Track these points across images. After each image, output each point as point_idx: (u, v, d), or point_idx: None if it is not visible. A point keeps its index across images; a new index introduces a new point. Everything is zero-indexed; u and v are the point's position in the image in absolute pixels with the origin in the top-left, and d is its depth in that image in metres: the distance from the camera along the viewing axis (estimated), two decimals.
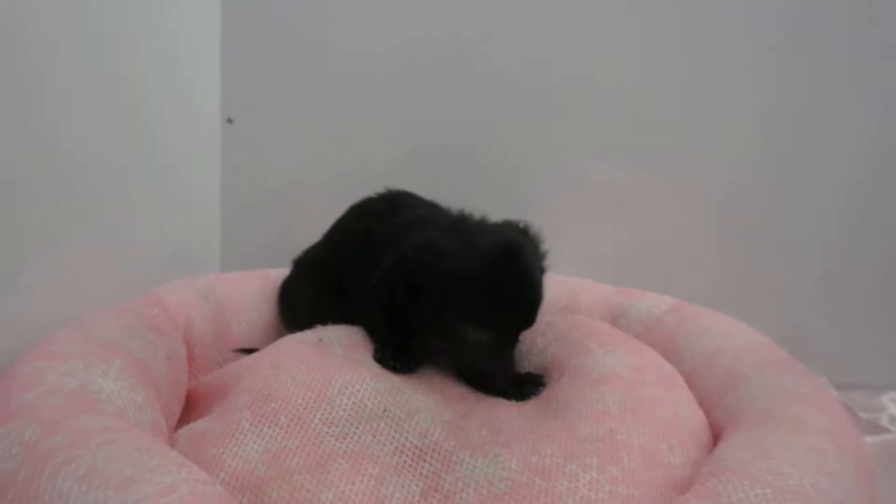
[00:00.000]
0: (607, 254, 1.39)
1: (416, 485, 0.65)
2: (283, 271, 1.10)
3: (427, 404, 0.74)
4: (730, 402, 0.79)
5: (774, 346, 0.89)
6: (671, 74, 1.31)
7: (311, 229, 1.07)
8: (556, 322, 0.94)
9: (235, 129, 1.27)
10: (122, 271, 1.08)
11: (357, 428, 0.69)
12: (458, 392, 0.80)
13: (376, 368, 0.77)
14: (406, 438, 0.69)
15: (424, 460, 0.67)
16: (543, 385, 0.83)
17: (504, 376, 0.82)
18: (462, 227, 0.84)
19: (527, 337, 0.93)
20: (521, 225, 0.87)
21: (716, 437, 0.78)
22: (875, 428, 1.20)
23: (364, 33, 1.29)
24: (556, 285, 1.16)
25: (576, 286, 1.16)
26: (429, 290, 0.76)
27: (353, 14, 1.29)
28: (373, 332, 0.84)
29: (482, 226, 0.86)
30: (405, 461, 0.67)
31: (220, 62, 1.25)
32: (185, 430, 0.72)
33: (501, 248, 0.78)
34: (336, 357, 0.78)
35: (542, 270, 0.82)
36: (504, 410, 0.77)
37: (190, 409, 0.84)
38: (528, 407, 0.78)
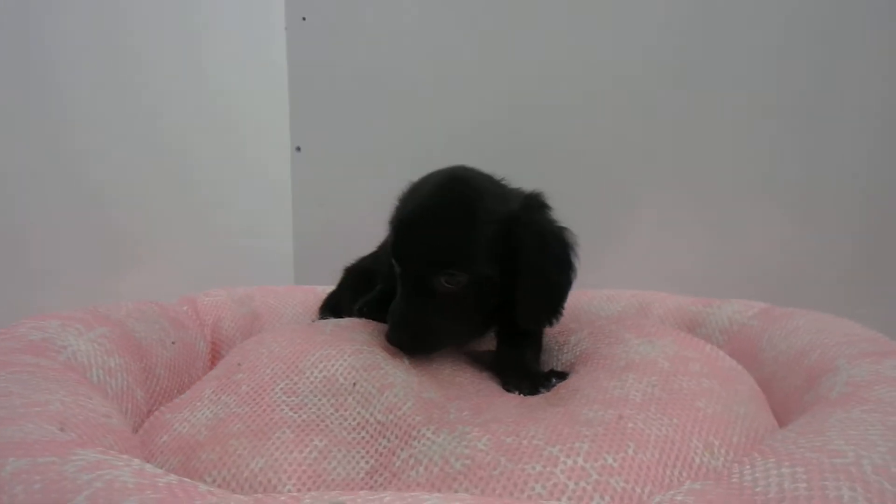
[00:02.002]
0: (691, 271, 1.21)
1: (366, 462, 0.55)
2: (331, 288, 1.08)
3: (405, 380, 0.64)
4: (808, 400, 0.60)
5: (886, 339, 0.67)
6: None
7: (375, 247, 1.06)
8: (596, 321, 0.80)
9: (303, 156, 1.33)
10: (200, 286, 1.14)
11: (319, 400, 0.61)
12: (458, 380, 0.69)
13: (360, 345, 0.69)
14: (371, 414, 0.60)
15: (384, 436, 0.57)
16: (562, 380, 0.69)
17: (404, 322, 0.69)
18: None
19: (558, 333, 0.81)
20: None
21: None
22: None
23: (423, 62, 1.31)
24: (623, 299, 1.02)
25: (647, 298, 1.00)
26: None
27: (413, 45, 1.32)
28: None
29: None
30: (363, 437, 0.58)
31: (289, 96, 1.34)
32: (164, 406, 0.69)
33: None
34: (322, 335, 0.71)
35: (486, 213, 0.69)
36: (501, 398, 0.64)
37: None
38: (535, 399, 0.65)
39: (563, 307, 0.74)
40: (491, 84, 1.31)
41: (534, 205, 0.73)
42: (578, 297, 1.03)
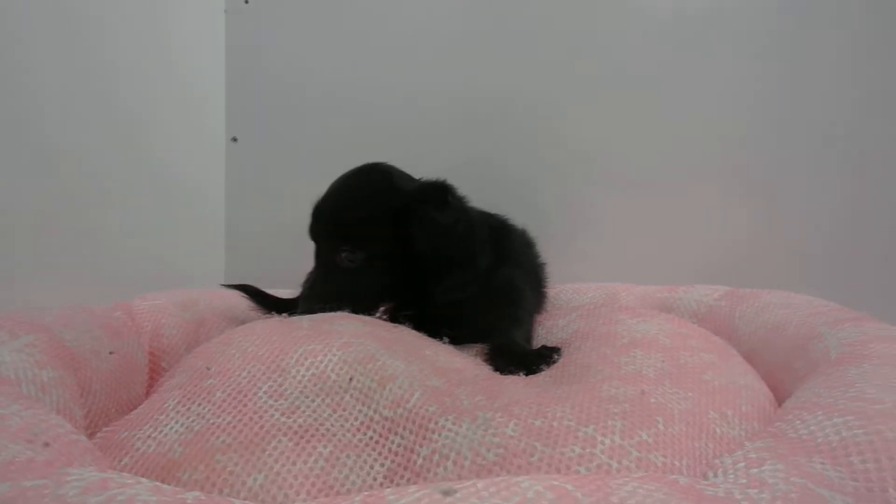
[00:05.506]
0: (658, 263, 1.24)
1: (381, 464, 0.50)
2: (280, 292, 1.01)
3: (407, 371, 0.58)
4: (800, 367, 0.62)
5: (849, 309, 0.71)
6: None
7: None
8: (583, 306, 0.79)
9: (239, 147, 1.25)
10: (124, 289, 1.01)
11: (313, 401, 0.55)
12: (456, 366, 0.65)
13: (348, 338, 0.63)
14: (375, 411, 0.54)
15: (395, 433, 0.52)
16: (559, 355, 0.67)
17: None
18: None
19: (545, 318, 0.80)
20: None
21: None
22: None
23: (363, 57, 1.26)
24: (590, 291, 1.02)
25: (612, 289, 1.01)
26: None
27: (351, 40, 1.27)
28: None
29: None
30: (371, 437, 0.52)
31: (225, 85, 1.25)
32: (113, 425, 0.59)
33: None
34: (301, 329, 0.64)
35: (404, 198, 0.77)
36: (508, 380, 0.61)
37: None
38: (540, 378, 0.62)
39: (463, 288, 0.78)
40: (435, 74, 1.28)
41: (428, 193, 0.79)
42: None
